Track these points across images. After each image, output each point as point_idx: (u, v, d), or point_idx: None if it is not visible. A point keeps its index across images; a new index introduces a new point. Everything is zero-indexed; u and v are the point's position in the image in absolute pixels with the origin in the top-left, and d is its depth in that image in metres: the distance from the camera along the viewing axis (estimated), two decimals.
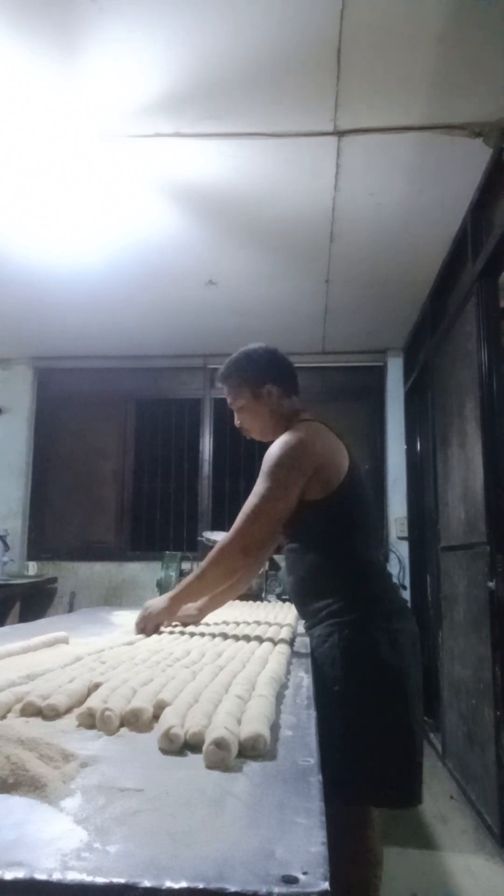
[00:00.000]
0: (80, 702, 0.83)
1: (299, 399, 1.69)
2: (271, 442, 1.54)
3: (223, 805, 0.54)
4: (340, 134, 2.25)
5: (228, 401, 1.69)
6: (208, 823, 0.50)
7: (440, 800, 2.72)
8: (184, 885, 0.40)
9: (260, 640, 1.36)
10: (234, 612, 2.02)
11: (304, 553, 1.53)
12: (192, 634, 1.47)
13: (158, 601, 1.56)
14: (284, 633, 1.43)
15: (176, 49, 1.89)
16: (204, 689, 0.85)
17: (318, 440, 1.50)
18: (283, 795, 0.57)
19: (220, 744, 0.64)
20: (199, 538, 4.24)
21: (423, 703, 1.48)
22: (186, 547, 4.41)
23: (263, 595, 3.36)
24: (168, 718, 0.72)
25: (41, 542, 4.70)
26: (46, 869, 0.42)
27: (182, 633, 1.51)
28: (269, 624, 1.62)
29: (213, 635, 1.42)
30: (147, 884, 0.41)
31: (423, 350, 3.85)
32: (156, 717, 0.77)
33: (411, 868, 2.13)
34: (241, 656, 1.13)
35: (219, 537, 2.14)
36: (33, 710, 0.79)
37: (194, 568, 1.97)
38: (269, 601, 3.03)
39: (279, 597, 3.43)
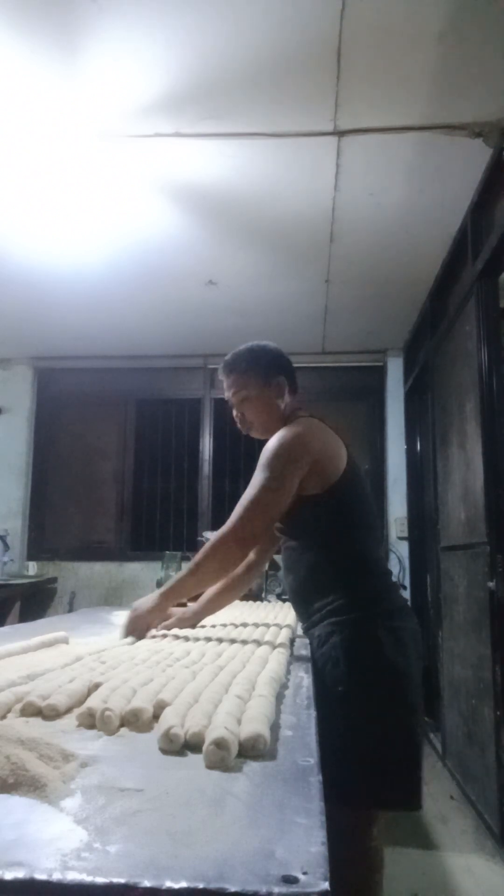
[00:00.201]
0: (80, 702, 0.83)
1: (298, 399, 1.68)
2: (269, 438, 1.52)
3: (223, 805, 0.54)
4: (340, 134, 2.25)
5: (231, 392, 1.63)
6: (208, 823, 0.50)
7: (440, 800, 2.72)
8: (184, 885, 0.40)
9: (258, 643, 1.32)
10: (234, 613, 2.01)
11: (303, 551, 1.50)
12: (186, 639, 1.39)
13: (147, 600, 1.49)
14: (283, 636, 1.39)
15: (176, 49, 1.89)
16: (204, 689, 0.85)
17: (315, 435, 1.48)
18: (283, 795, 0.57)
19: (220, 744, 0.64)
20: (199, 538, 4.24)
21: (423, 703, 1.47)
22: (186, 547, 4.41)
23: (263, 595, 3.36)
24: (168, 718, 0.72)
25: (41, 542, 4.70)
26: (46, 869, 0.42)
27: (177, 636, 1.43)
28: (268, 626, 1.58)
29: (209, 639, 1.37)
30: (147, 884, 0.41)
31: (423, 350, 3.85)
32: (156, 717, 0.77)
33: (411, 868, 2.13)
34: (241, 656, 1.13)
35: None
36: (33, 710, 0.79)
37: None
38: (269, 601, 3.02)
39: (279, 597, 3.43)
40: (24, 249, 3.09)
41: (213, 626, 1.61)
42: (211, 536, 1.51)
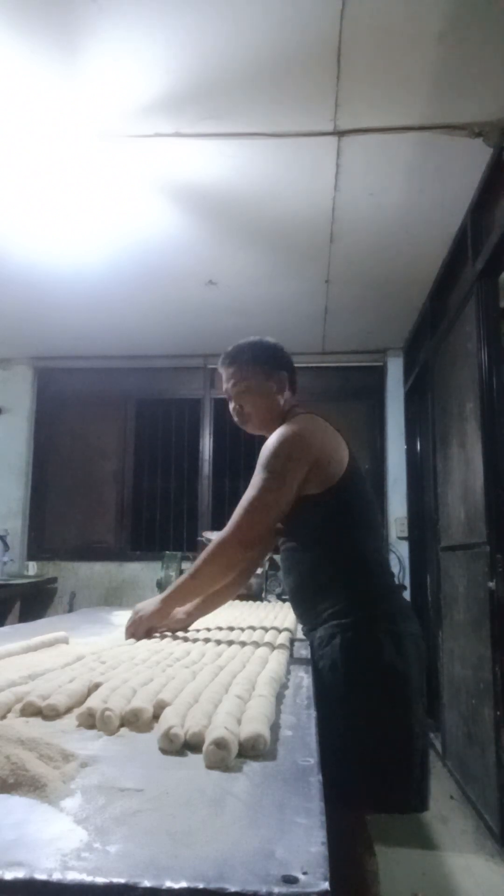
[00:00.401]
0: (80, 702, 0.83)
1: (298, 399, 1.65)
2: (267, 436, 1.49)
3: (223, 805, 0.54)
4: (340, 134, 2.25)
5: (230, 383, 1.59)
6: (208, 823, 0.50)
7: (440, 800, 2.72)
8: (184, 885, 0.40)
9: (257, 644, 1.30)
10: (234, 613, 2.01)
11: (303, 552, 1.47)
12: (185, 639, 1.39)
13: (149, 603, 1.48)
14: (283, 639, 1.37)
15: (176, 49, 1.89)
16: (204, 689, 0.85)
17: (316, 432, 1.44)
18: (283, 795, 0.57)
19: (220, 744, 0.64)
20: (199, 538, 4.24)
21: (425, 707, 1.41)
22: (186, 547, 4.41)
23: (263, 595, 3.36)
24: (168, 718, 0.72)
25: (41, 542, 4.70)
26: (46, 869, 0.42)
27: (175, 638, 1.43)
28: (266, 629, 1.54)
29: (207, 640, 1.35)
30: (147, 884, 0.41)
31: (423, 350, 3.85)
32: (156, 717, 0.77)
33: (411, 868, 2.13)
34: (241, 656, 1.13)
35: None
36: (33, 710, 0.79)
37: None
38: (269, 601, 3.02)
39: (279, 597, 3.43)
40: (24, 249, 3.09)
41: (210, 630, 1.57)
42: (211, 537, 1.50)
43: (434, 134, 2.24)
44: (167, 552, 4.01)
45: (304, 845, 0.47)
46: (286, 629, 1.52)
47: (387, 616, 1.37)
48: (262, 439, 1.54)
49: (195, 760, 0.65)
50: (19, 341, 4.50)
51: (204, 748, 0.64)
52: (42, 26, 1.82)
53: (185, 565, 3.94)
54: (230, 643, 1.31)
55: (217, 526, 4.42)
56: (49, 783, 0.56)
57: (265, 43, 1.87)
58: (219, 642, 1.32)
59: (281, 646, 1.28)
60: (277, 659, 1.11)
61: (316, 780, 0.61)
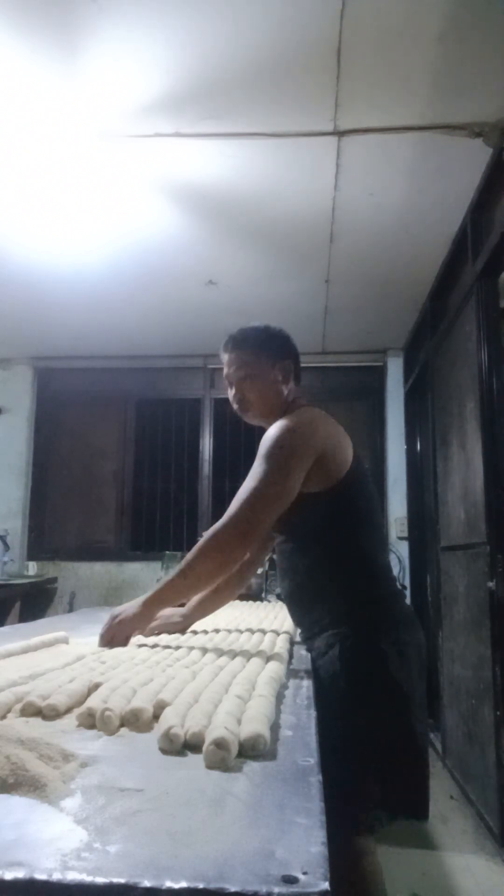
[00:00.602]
0: (80, 702, 0.83)
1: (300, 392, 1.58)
2: (266, 427, 1.40)
3: (223, 805, 0.54)
4: (340, 134, 2.25)
5: (233, 368, 1.50)
6: (208, 823, 0.50)
7: (440, 800, 2.72)
8: (184, 885, 0.40)
9: (250, 655, 1.15)
10: (233, 613, 2.00)
11: (302, 554, 1.39)
12: (175, 647, 1.26)
13: (130, 606, 1.33)
14: (281, 645, 1.27)
15: (176, 49, 1.89)
16: (204, 689, 0.85)
17: (320, 425, 1.36)
18: (283, 795, 0.57)
19: (220, 744, 0.64)
20: (199, 538, 4.23)
21: (426, 720, 1.36)
22: (186, 547, 4.40)
23: (264, 595, 3.36)
24: (168, 718, 0.72)
25: (41, 542, 4.70)
26: (46, 869, 0.42)
27: (156, 644, 1.29)
28: (264, 632, 1.44)
29: (198, 648, 1.24)
30: (147, 884, 0.41)
31: (423, 350, 3.85)
32: (156, 717, 0.77)
33: (411, 868, 2.13)
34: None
35: None
36: (33, 710, 0.79)
37: None
38: (269, 601, 3.02)
39: (279, 597, 3.43)
40: (24, 249, 3.09)
41: (206, 633, 1.46)
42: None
43: (434, 134, 2.24)
44: (167, 552, 4.02)
45: (304, 845, 0.47)
46: (285, 632, 1.45)
47: (389, 624, 1.30)
48: (262, 435, 1.48)
49: (195, 760, 0.65)
50: (19, 341, 4.50)
51: (204, 748, 0.64)
52: (42, 26, 1.82)
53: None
54: (219, 653, 1.18)
55: None
56: (49, 783, 0.56)
57: (265, 43, 1.87)
58: (205, 650, 1.21)
59: (277, 655, 1.16)
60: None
61: (316, 780, 0.61)
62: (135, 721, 0.76)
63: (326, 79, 2.00)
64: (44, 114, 2.17)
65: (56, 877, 0.41)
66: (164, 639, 1.37)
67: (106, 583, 4.55)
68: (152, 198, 2.66)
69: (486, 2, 1.74)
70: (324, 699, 1.10)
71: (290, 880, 0.41)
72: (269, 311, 3.84)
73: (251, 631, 1.47)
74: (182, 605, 1.52)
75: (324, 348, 4.55)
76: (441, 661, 3.26)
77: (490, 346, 2.56)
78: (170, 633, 1.43)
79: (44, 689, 0.84)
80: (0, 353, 4.75)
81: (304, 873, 0.42)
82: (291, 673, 1.14)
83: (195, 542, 1.32)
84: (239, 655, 1.13)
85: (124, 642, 1.30)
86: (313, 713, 0.87)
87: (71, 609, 4.40)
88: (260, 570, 3.23)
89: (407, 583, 4.18)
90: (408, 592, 4.14)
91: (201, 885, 0.40)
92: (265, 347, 1.50)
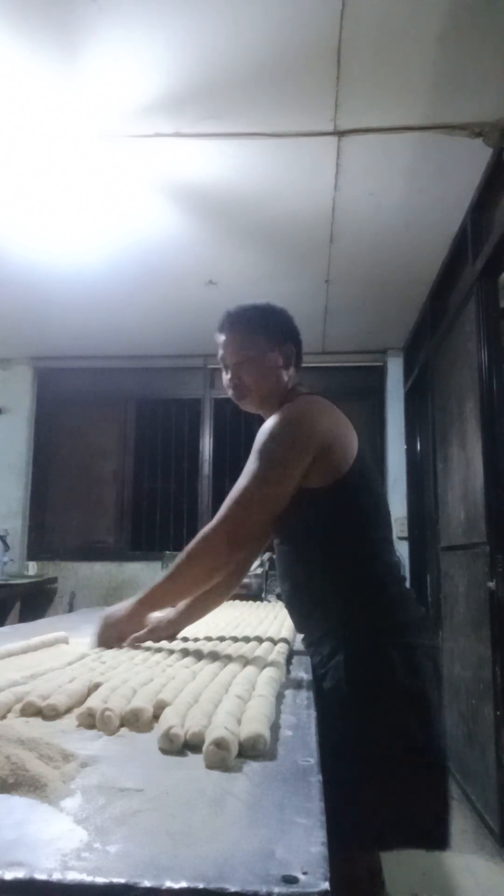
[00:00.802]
0: (80, 702, 0.83)
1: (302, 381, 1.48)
2: (264, 416, 1.32)
3: (223, 805, 0.54)
4: (340, 134, 2.25)
5: (229, 349, 1.38)
6: (208, 823, 0.50)
7: None
8: (184, 885, 0.40)
9: (245, 660, 1.09)
10: (233, 614, 1.99)
11: (303, 554, 1.29)
12: (158, 650, 1.20)
13: (120, 608, 1.29)
14: (277, 654, 1.16)
15: (176, 49, 1.89)
16: (204, 689, 0.85)
17: (323, 415, 1.25)
18: (283, 795, 0.57)
19: (220, 744, 0.64)
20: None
21: (445, 735, 1.24)
22: None
23: (264, 595, 3.35)
24: (168, 718, 0.72)
25: (41, 542, 4.70)
26: (46, 869, 0.42)
27: (146, 649, 1.22)
28: (260, 640, 1.34)
29: (186, 653, 1.16)
30: (147, 884, 0.41)
31: (423, 350, 3.85)
32: (156, 717, 0.77)
33: (411, 868, 2.13)
34: (245, 651, 1.13)
35: None
36: (33, 710, 0.79)
37: None
38: (269, 601, 3.02)
39: (279, 597, 3.42)
40: (24, 249, 3.09)
41: (197, 640, 1.36)
42: None
43: (434, 134, 2.24)
44: (167, 552, 4.02)
45: (304, 845, 0.47)
46: (283, 640, 1.33)
47: (397, 627, 1.19)
48: (256, 412, 1.40)
49: (195, 760, 0.65)
50: (19, 341, 4.50)
51: (204, 748, 0.64)
52: (42, 26, 1.81)
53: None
54: (212, 658, 1.10)
55: None
56: (49, 783, 0.56)
57: (265, 43, 1.87)
58: (200, 655, 1.13)
59: (276, 662, 1.07)
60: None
61: (316, 780, 0.61)
62: (135, 721, 0.76)
63: (326, 79, 2.00)
64: (44, 114, 2.17)
65: (56, 877, 0.41)
66: (148, 645, 1.28)
67: (106, 583, 4.55)
68: (152, 198, 2.66)
69: (486, 2, 1.74)
70: (328, 712, 1.00)
71: (290, 880, 0.41)
72: None
73: (246, 639, 1.36)
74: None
75: (324, 348, 4.55)
76: (441, 661, 3.26)
77: (490, 346, 2.56)
78: (156, 640, 1.31)
79: (44, 689, 0.84)
80: (0, 353, 4.75)
81: (304, 873, 0.42)
82: (290, 683, 1.05)
83: None
84: (241, 652, 1.13)
85: (116, 643, 1.26)
86: (313, 713, 0.87)
87: (71, 609, 4.40)
88: (260, 571, 3.23)
89: (407, 583, 4.18)
90: None
91: (201, 885, 0.40)
92: (265, 329, 1.38)
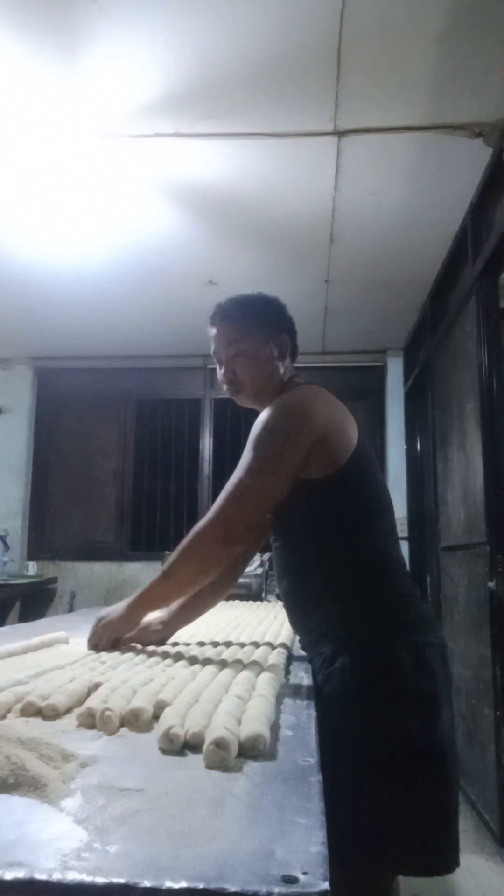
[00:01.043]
0: (80, 702, 0.83)
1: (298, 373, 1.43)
2: (260, 410, 1.25)
3: (223, 805, 0.54)
4: (340, 134, 2.25)
5: (223, 344, 1.35)
6: (208, 823, 0.50)
7: None
8: (184, 885, 0.40)
9: (241, 664, 1.03)
10: (232, 614, 1.99)
11: (302, 549, 1.22)
12: (151, 654, 1.14)
13: (114, 609, 1.25)
14: (276, 659, 1.10)
15: (176, 49, 1.89)
16: (204, 689, 0.85)
17: (320, 404, 1.20)
18: (283, 795, 0.57)
19: (220, 744, 0.64)
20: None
21: (455, 743, 1.14)
22: None
23: (263, 595, 3.35)
24: (168, 718, 0.72)
25: (41, 542, 4.70)
26: (46, 869, 0.42)
27: (137, 652, 1.17)
28: (257, 645, 1.27)
29: (179, 658, 1.10)
30: (147, 884, 0.41)
31: (423, 350, 3.85)
32: (156, 717, 0.77)
33: None
34: (241, 655, 1.13)
35: None
36: (33, 710, 0.79)
37: None
38: (269, 601, 3.02)
39: (279, 596, 3.41)
40: (25, 249, 3.09)
41: (189, 645, 1.30)
42: None
43: (434, 134, 2.24)
44: (167, 552, 4.01)
45: (304, 845, 0.47)
46: (281, 644, 1.27)
47: (405, 626, 1.11)
48: (251, 406, 1.36)
49: (195, 760, 0.65)
50: (19, 341, 4.50)
51: (204, 748, 0.64)
52: (42, 26, 1.82)
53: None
54: (204, 664, 1.04)
55: None
56: (49, 783, 0.56)
57: (265, 43, 1.87)
58: (194, 660, 1.09)
59: (274, 666, 1.02)
60: (277, 659, 1.10)
61: (316, 779, 0.61)
62: (135, 721, 0.76)
63: (326, 79, 2.00)
64: (44, 114, 2.17)
65: (56, 877, 0.41)
66: (145, 651, 1.22)
67: (106, 583, 4.55)
68: (152, 198, 2.66)
69: (486, 2, 1.74)
70: (330, 720, 0.94)
71: (290, 880, 0.41)
72: None
73: (240, 644, 1.29)
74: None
75: (324, 348, 4.56)
76: None
77: (490, 346, 2.56)
78: (146, 644, 1.26)
79: (44, 689, 0.84)
80: (0, 353, 4.75)
81: (304, 873, 0.42)
82: (290, 686, 1.00)
83: None
84: (241, 652, 1.13)
85: (108, 646, 1.22)
86: (313, 713, 0.87)
87: (71, 609, 4.40)
88: (260, 571, 3.23)
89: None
90: None
91: (201, 885, 0.40)
92: (258, 320, 1.34)
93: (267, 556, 3.16)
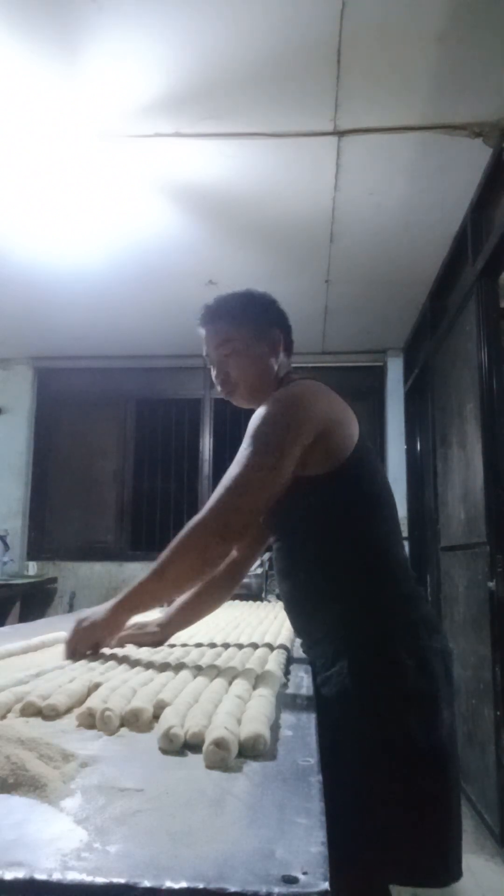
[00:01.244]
0: (80, 702, 0.83)
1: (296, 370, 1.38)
2: (255, 408, 1.21)
3: (223, 805, 0.54)
4: (340, 134, 2.25)
5: (213, 344, 1.32)
6: (208, 823, 0.50)
7: None
8: (184, 885, 0.40)
9: (241, 665, 1.01)
10: (231, 614, 1.99)
11: (302, 548, 1.19)
12: (136, 662, 1.05)
13: (98, 610, 1.15)
14: (274, 663, 1.05)
15: (176, 49, 1.89)
16: (204, 689, 0.85)
17: (319, 397, 1.16)
18: (283, 795, 0.57)
19: (220, 744, 0.64)
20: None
21: (456, 749, 1.11)
22: None
23: (264, 595, 3.35)
24: (168, 718, 0.72)
25: (41, 542, 4.70)
26: (46, 869, 0.42)
27: (119, 661, 1.07)
28: (256, 646, 1.23)
29: (173, 665, 1.02)
30: (147, 884, 0.41)
31: (423, 350, 3.85)
32: (156, 717, 0.77)
33: None
34: (240, 657, 1.13)
35: None
36: (33, 710, 0.79)
37: None
38: (270, 601, 3.02)
39: (279, 597, 3.40)
40: (25, 249, 3.09)
41: (185, 646, 1.26)
42: None
43: (434, 134, 2.24)
44: None
45: (304, 845, 0.46)
46: (281, 646, 1.24)
47: (408, 629, 1.08)
48: (247, 406, 1.32)
49: (195, 760, 0.65)
50: (19, 341, 4.50)
51: (204, 748, 0.64)
52: (42, 26, 1.82)
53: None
54: (197, 670, 0.98)
55: None
56: (49, 783, 0.56)
57: (265, 43, 1.87)
58: (194, 661, 1.05)
59: (272, 673, 0.96)
60: (277, 659, 1.10)
61: (316, 780, 0.61)
62: (135, 721, 0.76)
63: (326, 79, 2.00)
64: (44, 114, 2.17)
65: (56, 877, 0.41)
66: (132, 654, 1.15)
67: (106, 583, 4.55)
68: (152, 198, 2.66)
69: (486, 2, 1.74)
70: (331, 723, 0.91)
71: (290, 880, 0.41)
72: None
73: (238, 646, 1.25)
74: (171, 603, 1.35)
75: (324, 348, 4.56)
76: None
77: (490, 346, 2.56)
78: (141, 646, 1.21)
79: (44, 689, 0.84)
80: (0, 353, 4.75)
81: (304, 873, 0.42)
82: (288, 699, 0.93)
83: None
84: (240, 653, 1.13)
85: (91, 650, 1.14)
86: (313, 713, 0.87)
87: (71, 609, 4.40)
88: (260, 570, 3.22)
89: None
90: None
91: (201, 885, 0.40)
92: (247, 317, 1.30)
93: (267, 556, 3.16)
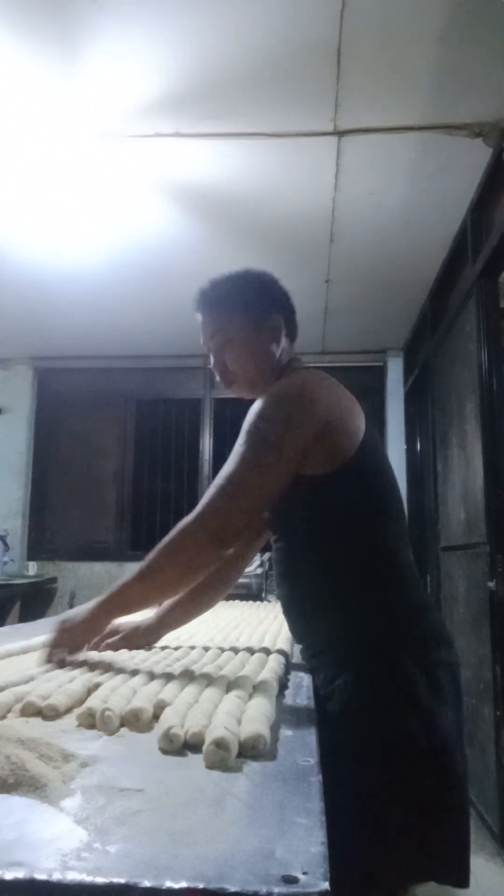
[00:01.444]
0: (80, 702, 0.83)
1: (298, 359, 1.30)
2: (255, 399, 1.11)
3: (223, 805, 0.54)
4: (340, 134, 2.25)
5: (209, 333, 1.23)
6: (208, 823, 0.50)
7: None
8: (184, 885, 0.40)
9: (228, 680, 0.91)
10: (225, 617, 1.98)
11: (305, 552, 1.11)
12: (119, 671, 0.97)
13: (80, 612, 1.09)
14: (270, 673, 0.96)
15: (176, 49, 1.89)
16: (204, 690, 0.85)
17: (323, 389, 1.07)
18: (283, 795, 0.57)
19: (220, 744, 0.64)
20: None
21: (467, 764, 1.06)
22: None
23: (263, 595, 3.35)
24: (168, 718, 0.72)
25: (41, 542, 4.71)
26: (46, 869, 0.42)
27: (105, 670, 0.98)
28: (252, 651, 1.18)
29: (163, 675, 0.95)
30: (147, 884, 0.41)
31: (423, 350, 3.85)
32: (156, 717, 0.77)
33: None
34: (240, 657, 1.13)
35: None
36: (33, 710, 0.79)
37: None
38: (269, 601, 3.02)
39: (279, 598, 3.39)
40: (25, 249, 3.09)
41: (177, 649, 1.20)
42: None
43: (434, 134, 2.24)
44: None
45: (304, 845, 0.47)
46: (279, 651, 1.17)
47: (417, 640, 1.00)
48: (247, 397, 1.23)
49: (195, 760, 0.65)
50: (19, 341, 4.50)
51: (204, 748, 0.64)
52: (42, 26, 1.82)
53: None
54: (190, 678, 0.92)
55: None
56: (49, 783, 0.56)
57: (265, 43, 1.87)
58: (193, 663, 1.02)
59: (267, 682, 0.89)
60: (277, 659, 1.10)
61: (316, 780, 0.61)
62: (135, 721, 0.76)
63: (326, 79, 2.00)
64: (44, 114, 2.17)
65: (56, 877, 0.41)
66: (120, 656, 1.10)
67: (106, 583, 4.55)
68: (152, 198, 2.66)
69: (486, 2, 1.74)
70: (334, 740, 0.87)
71: (290, 880, 0.41)
72: None
73: (234, 650, 1.19)
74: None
75: (324, 348, 4.56)
76: None
77: (490, 346, 2.56)
78: (130, 648, 1.16)
79: (44, 689, 0.84)
80: (0, 353, 4.75)
81: (304, 873, 0.42)
82: (287, 712, 0.87)
83: None
84: (240, 653, 1.13)
85: (71, 653, 1.08)
86: (313, 714, 0.87)
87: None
88: (260, 570, 3.22)
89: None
90: None
91: (201, 885, 0.40)
92: (244, 302, 1.19)
93: (267, 555, 3.16)
